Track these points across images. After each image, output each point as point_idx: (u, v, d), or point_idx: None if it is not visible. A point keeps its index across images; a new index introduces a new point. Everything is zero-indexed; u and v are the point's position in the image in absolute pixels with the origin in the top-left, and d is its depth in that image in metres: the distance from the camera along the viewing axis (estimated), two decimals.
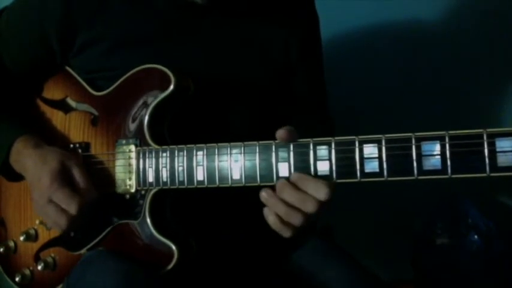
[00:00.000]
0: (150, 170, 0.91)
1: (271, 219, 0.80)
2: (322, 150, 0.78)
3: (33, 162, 0.92)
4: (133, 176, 0.92)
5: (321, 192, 0.77)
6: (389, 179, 0.74)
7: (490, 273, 1.37)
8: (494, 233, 1.39)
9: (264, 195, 0.80)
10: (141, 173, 0.92)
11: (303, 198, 0.78)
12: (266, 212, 0.81)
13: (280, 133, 0.80)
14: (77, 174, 0.90)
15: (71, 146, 0.99)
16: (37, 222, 1.01)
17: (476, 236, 1.38)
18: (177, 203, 0.93)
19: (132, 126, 0.94)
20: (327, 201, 0.77)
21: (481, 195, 1.43)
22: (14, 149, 0.95)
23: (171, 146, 0.90)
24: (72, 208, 0.86)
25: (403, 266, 1.49)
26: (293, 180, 0.79)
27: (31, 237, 1.02)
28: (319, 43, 1.14)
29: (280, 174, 0.81)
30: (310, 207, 0.78)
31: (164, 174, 0.89)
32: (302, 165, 0.79)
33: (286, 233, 0.81)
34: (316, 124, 1.09)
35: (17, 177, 0.98)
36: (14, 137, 0.95)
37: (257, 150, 0.82)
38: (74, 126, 1.01)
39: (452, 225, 1.42)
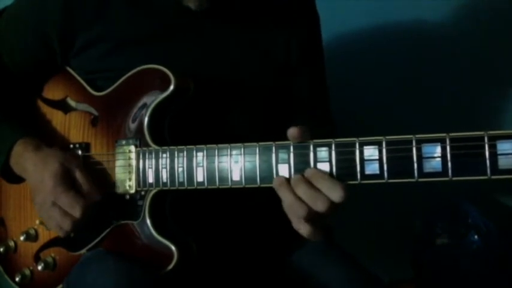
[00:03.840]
0: (150, 170, 0.90)
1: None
2: (323, 152, 0.77)
3: (33, 165, 0.91)
4: (133, 177, 0.92)
5: (335, 193, 0.74)
6: (390, 181, 0.73)
7: (490, 273, 1.37)
8: (494, 233, 1.39)
9: (276, 180, 0.79)
10: (141, 174, 0.91)
11: (315, 196, 0.75)
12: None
13: (293, 131, 0.78)
14: (79, 176, 0.90)
15: (71, 146, 0.99)
16: (37, 222, 1.01)
17: (476, 236, 1.38)
18: (176, 203, 0.93)
19: (132, 127, 0.94)
20: (340, 203, 0.75)
21: (481, 195, 1.43)
22: (14, 151, 0.94)
23: (171, 147, 0.89)
24: (77, 211, 0.87)
25: (403, 266, 1.49)
26: (307, 176, 0.77)
27: (31, 237, 1.02)
28: (320, 43, 1.14)
29: None
30: (320, 206, 0.75)
31: (164, 175, 0.89)
32: (302, 167, 0.78)
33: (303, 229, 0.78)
34: (316, 128, 1.08)
35: (17, 179, 0.98)
36: (14, 139, 0.95)
37: (257, 152, 0.82)
38: (73, 126, 1.01)
39: (452, 225, 1.42)
